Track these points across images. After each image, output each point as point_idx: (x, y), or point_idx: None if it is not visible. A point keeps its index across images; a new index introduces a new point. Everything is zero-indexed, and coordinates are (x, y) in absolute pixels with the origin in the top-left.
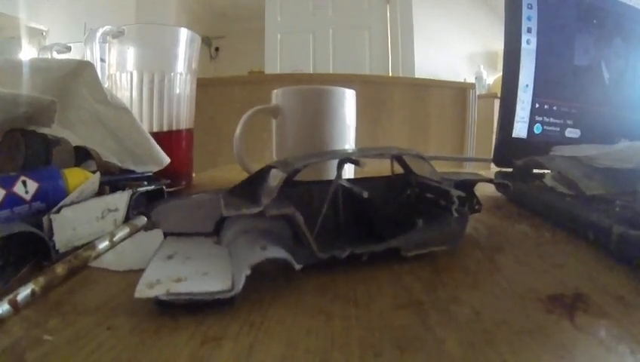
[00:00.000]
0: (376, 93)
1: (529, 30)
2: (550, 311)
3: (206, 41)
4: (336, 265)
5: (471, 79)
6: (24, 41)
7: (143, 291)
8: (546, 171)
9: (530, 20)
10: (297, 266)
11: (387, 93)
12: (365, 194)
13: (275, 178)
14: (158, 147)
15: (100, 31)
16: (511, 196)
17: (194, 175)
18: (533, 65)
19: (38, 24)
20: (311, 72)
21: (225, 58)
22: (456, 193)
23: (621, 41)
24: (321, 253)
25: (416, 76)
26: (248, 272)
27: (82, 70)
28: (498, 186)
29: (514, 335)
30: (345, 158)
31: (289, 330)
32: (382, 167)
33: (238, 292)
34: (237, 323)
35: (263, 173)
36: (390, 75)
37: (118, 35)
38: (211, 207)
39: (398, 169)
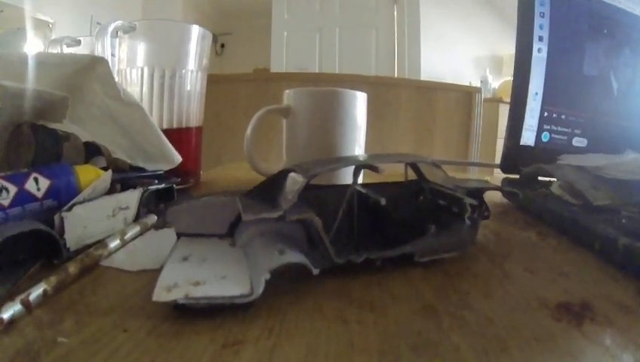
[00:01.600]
0: (382, 94)
1: (540, 39)
2: (558, 319)
3: (212, 38)
4: (350, 270)
5: (476, 82)
6: (30, 33)
7: (161, 294)
8: (552, 179)
9: (541, 29)
10: (315, 271)
11: (393, 95)
12: (383, 201)
13: (295, 182)
14: (170, 145)
15: (112, 26)
16: (517, 203)
17: (201, 173)
18: (544, 73)
19: (44, 16)
20: (317, 70)
21: (231, 55)
22: (469, 201)
23: (630, 51)
24: (337, 257)
25: (422, 77)
26: (268, 277)
27: (95, 65)
28: (506, 194)
29: (525, 342)
30: (362, 165)
31: (308, 335)
32: (393, 172)
33: (257, 296)
34: (256, 328)
35: (281, 176)
36: (396, 75)
37: (129, 30)
38: (226, 208)
39: (411, 175)
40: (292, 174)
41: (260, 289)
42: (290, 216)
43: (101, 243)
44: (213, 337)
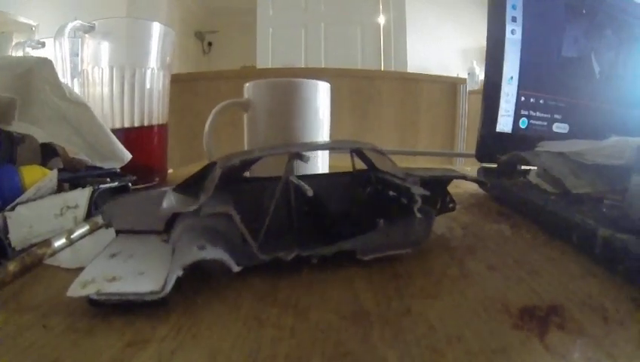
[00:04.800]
0: (365, 87)
1: (514, 19)
2: (518, 326)
3: (199, 36)
4: (285, 269)
5: (463, 75)
6: (14, 37)
7: (75, 290)
8: (532, 168)
9: (514, 9)
10: (236, 268)
11: (377, 88)
12: (310, 193)
13: (216, 174)
14: (118, 143)
15: (70, 26)
16: (493, 194)
17: (170, 171)
18: (519, 56)
19: (27, 19)
20: (302, 66)
21: (218, 53)
22: (418, 191)
23: (612, 32)
24: (263, 254)
25: (409, 71)
26: (180, 273)
27: (41, 67)
28: (478, 183)
29: (468, 356)
30: (293, 153)
31: (216, 337)
32: (355, 162)
33: (167, 293)
34: (166, 326)
35: (208, 168)
36: (382, 69)
37: (89, 29)
38: (162, 203)
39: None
40: (216, 165)
41: (169, 286)
42: (205, 210)
43: (45, 241)
44: (123, 334)
